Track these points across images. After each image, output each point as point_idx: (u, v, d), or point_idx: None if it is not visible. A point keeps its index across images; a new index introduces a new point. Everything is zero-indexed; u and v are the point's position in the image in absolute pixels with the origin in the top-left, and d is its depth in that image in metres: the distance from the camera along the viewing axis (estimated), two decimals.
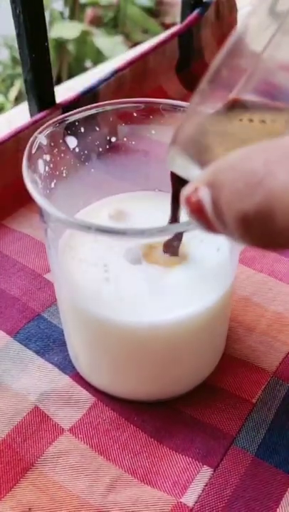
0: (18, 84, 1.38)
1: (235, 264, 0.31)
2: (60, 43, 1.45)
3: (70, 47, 1.46)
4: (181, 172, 0.23)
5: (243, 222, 0.16)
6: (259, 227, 0.16)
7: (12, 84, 1.42)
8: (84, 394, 0.34)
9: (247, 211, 0.16)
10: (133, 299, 0.29)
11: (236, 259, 0.31)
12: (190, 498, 0.29)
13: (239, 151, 0.17)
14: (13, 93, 1.37)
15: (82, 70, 1.34)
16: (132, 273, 0.29)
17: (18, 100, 1.37)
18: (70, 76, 1.33)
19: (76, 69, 1.44)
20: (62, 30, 1.45)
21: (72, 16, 1.55)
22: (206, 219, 0.18)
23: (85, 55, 1.47)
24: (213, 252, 0.29)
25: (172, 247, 0.29)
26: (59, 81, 1.36)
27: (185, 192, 0.19)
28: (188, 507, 0.29)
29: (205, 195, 0.18)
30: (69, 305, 0.31)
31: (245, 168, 0.16)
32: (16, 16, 0.43)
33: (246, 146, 0.17)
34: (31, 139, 0.29)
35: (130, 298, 0.29)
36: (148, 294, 0.29)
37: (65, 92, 0.51)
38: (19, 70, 1.30)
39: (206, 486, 0.30)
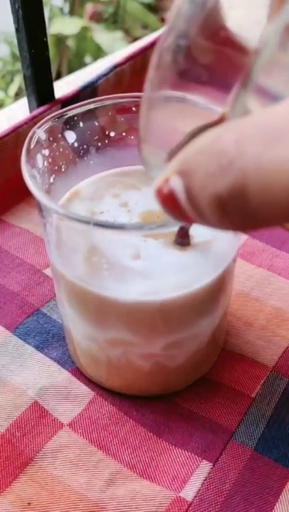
0: (18, 81, 1.38)
1: (236, 244, 0.31)
2: (60, 39, 1.45)
3: (70, 43, 1.46)
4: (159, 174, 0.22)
5: (219, 205, 0.16)
6: (235, 208, 0.16)
7: (12, 81, 1.41)
8: (83, 389, 0.34)
9: (221, 193, 0.16)
10: (132, 277, 0.29)
11: (237, 239, 0.31)
12: (189, 492, 0.29)
13: (208, 134, 0.17)
14: (12, 89, 1.37)
15: (82, 65, 1.34)
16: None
17: (18, 96, 1.37)
18: (70, 72, 1.33)
19: (76, 65, 1.43)
20: (62, 26, 1.45)
21: (72, 12, 1.54)
22: (179, 209, 0.18)
23: (84, 50, 1.47)
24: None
25: (183, 238, 0.29)
26: (59, 77, 1.36)
27: (155, 185, 0.19)
28: (187, 501, 0.29)
29: (177, 185, 0.17)
30: (68, 293, 0.30)
31: (215, 150, 0.16)
32: (15, 12, 0.42)
33: (215, 128, 0.17)
34: (30, 133, 0.29)
35: (129, 276, 0.29)
36: (149, 272, 0.29)
37: (64, 87, 0.51)
38: (19, 66, 1.30)
39: (205, 480, 0.30)
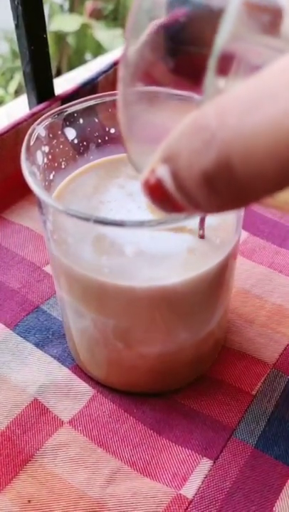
0: (18, 78, 1.37)
1: (239, 229, 0.31)
2: (60, 36, 1.45)
3: (70, 40, 1.46)
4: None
5: (206, 182, 0.16)
6: (222, 182, 0.16)
7: (12, 78, 1.41)
8: (83, 386, 0.34)
9: (207, 168, 0.16)
10: (133, 263, 0.28)
11: (240, 222, 0.31)
12: (189, 489, 0.29)
13: (187, 117, 0.17)
14: (12, 86, 1.37)
15: (83, 62, 1.33)
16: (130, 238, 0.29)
17: (17, 93, 1.37)
18: (70, 69, 1.33)
19: (76, 62, 1.43)
20: (62, 23, 1.45)
21: (72, 9, 1.54)
22: (168, 198, 0.18)
23: (85, 48, 1.47)
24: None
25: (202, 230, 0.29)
26: (59, 74, 1.36)
27: (142, 178, 0.18)
28: (187, 499, 0.29)
29: (163, 172, 0.17)
30: (67, 285, 0.30)
31: (197, 127, 0.16)
32: (14, 8, 0.42)
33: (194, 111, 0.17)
34: (29, 130, 0.29)
35: (129, 264, 0.28)
36: (149, 260, 0.29)
37: (64, 84, 0.51)
38: (19, 63, 1.30)
39: (205, 477, 0.30)
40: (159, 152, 0.17)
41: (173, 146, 0.17)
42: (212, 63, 0.17)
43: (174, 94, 0.20)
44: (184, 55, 0.19)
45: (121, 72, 0.20)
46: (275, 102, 0.14)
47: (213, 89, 0.17)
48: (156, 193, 0.18)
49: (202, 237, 0.29)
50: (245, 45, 0.17)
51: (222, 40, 0.17)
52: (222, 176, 0.16)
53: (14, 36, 0.44)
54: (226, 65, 0.17)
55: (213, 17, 0.17)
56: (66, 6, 1.55)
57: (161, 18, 0.19)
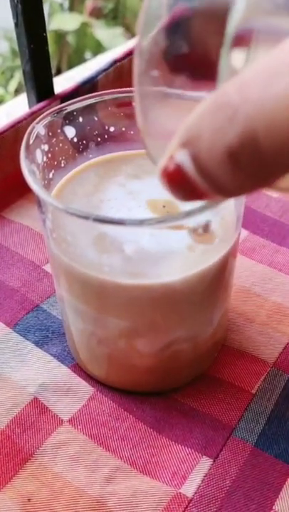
0: (18, 77, 1.37)
1: (239, 226, 0.31)
2: (60, 35, 1.45)
3: (70, 39, 1.46)
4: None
5: (231, 158, 0.16)
6: (248, 157, 0.16)
7: (12, 77, 1.41)
8: (83, 385, 0.34)
9: (231, 145, 0.16)
10: (133, 262, 0.28)
11: (240, 218, 0.31)
12: (189, 488, 0.29)
13: (206, 100, 0.17)
14: (12, 85, 1.37)
15: (83, 61, 1.33)
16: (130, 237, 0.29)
17: (17, 92, 1.37)
18: (70, 68, 1.33)
19: (76, 61, 1.43)
20: (62, 22, 1.45)
21: (72, 8, 1.54)
22: (188, 183, 0.17)
23: (84, 46, 1.47)
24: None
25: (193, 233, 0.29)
26: (59, 73, 1.35)
27: (160, 166, 0.18)
28: (187, 497, 0.29)
29: (182, 157, 0.17)
30: (67, 283, 0.30)
31: (219, 104, 0.16)
32: (14, 6, 0.42)
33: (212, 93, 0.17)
34: (29, 128, 0.29)
35: (129, 262, 0.28)
36: (149, 256, 0.29)
37: (64, 82, 0.51)
38: (19, 62, 1.30)
39: (205, 476, 0.30)
40: (176, 138, 0.17)
41: (193, 128, 0.17)
42: (227, 43, 0.17)
43: (191, 95, 0.20)
44: (197, 47, 0.19)
45: (136, 61, 0.20)
46: None
47: (228, 71, 0.17)
48: (176, 179, 0.18)
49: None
50: (259, 24, 0.17)
51: (235, 20, 0.16)
52: (247, 150, 0.16)
53: (14, 35, 0.44)
54: (241, 45, 0.17)
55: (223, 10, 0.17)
56: (66, 4, 1.55)
57: (176, 9, 0.19)
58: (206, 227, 0.29)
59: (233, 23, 0.16)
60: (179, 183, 0.18)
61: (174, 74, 0.19)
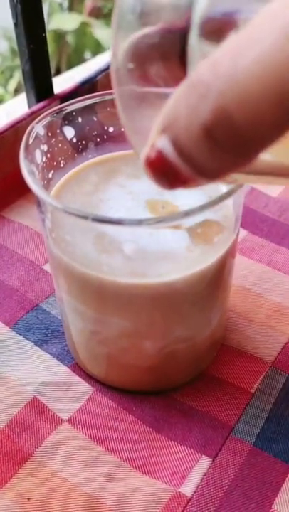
0: (18, 76, 1.37)
1: (237, 226, 0.31)
2: (60, 35, 1.45)
3: (70, 38, 1.46)
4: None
5: (207, 137, 0.16)
6: (223, 134, 0.16)
7: (11, 76, 1.41)
8: (82, 384, 0.34)
9: (206, 122, 0.16)
10: (132, 261, 0.28)
11: (239, 217, 0.31)
12: (188, 487, 0.29)
13: (181, 84, 0.17)
14: (12, 85, 1.37)
15: (82, 61, 1.33)
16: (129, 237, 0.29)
17: (17, 92, 1.37)
18: (70, 67, 1.33)
19: (76, 60, 1.43)
20: (61, 21, 1.45)
21: (72, 8, 1.54)
22: (171, 169, 0.17)
23: (84, 46, 1.47)
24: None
25: (192, 232, 0.29)
26: (58, 73, 1.35)
27: (143, 156, 0.18)
28: (186, 497, 0.29)
29: (163, 143, 0.17)
30: (66, 282, 0.30)
31: (193, 85, 0.16)
32: (13, 6, 0.42)
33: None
34: (28, 129, 0.29)
35: (128, 261, 0.28)
36: (148, 255, 0.29)
37: (63, 82, 0.51)
38: (18, 61, 1.30)
39: (204, 475, 0.30)
40: (156, 125, 0.17)
41: (170, 113, 0.17)
42: (194, 29, 0.17)
43: (168, 91, 0.20)
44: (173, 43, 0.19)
45: (112, 62, 0.20)
46: (263, 42, 0.15)
47: (199, 55, 0.17)
48: (159, 167, 0.18)
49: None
50: (228, 7, 0.17)
51: (200, 5, 0.17)
52: (222, 125, 0.16)
53: (14, 34, 0.44)
54: (216, 31, 0.17)
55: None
56: (65, 4, 1.54)
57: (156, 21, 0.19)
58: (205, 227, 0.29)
59: (199, 9, 0.17)
60: (162, 170, 0.18)
61: (153, 72, 0.19)
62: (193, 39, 0.17)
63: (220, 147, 0.16)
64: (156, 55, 0.19)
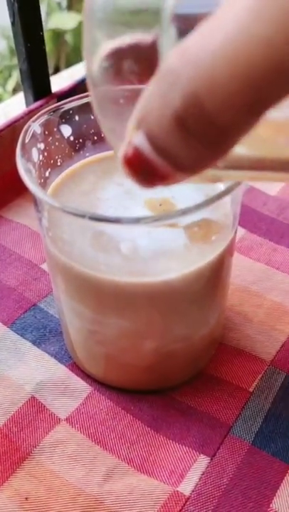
0: (16, 76, 1.37)
1: (236, 223, 0.31)
2: (58, 34, 1.45)
3: (68, 37, 1.45)
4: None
5: (179, 124, 0.16)
6: (195, 121, 0.15)
7: (10, 76, 1.41)
8: (80, 384, 0.34)
9: (177, 110, 0.16)
10: (130, 260, 0.28)
11: (237, 214, 0.31)
12: (187, 486, 0.29)
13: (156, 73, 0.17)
14: (10, 84, 1.37)
15: (81, 60, 1.33)
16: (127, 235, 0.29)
17: (15, 91, 1.36)
18: (68, 67, 1.33)
19: (74, 59, 1.43)
20: (59, 20, 1.44)
21: (70, 7, 1.54)
22: (148, 165, 0.17)
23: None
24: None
25: (189, 231, 0.29)
26: (57, 72, 1.35)
27: (120, 155, 0.18)
28: (184, 496, 0.29)
29: (139, 139, 0.17)
30: (64, 280, 0.30)
31: (163, 75, 0.16)
32: (10, 5, 0.42)
33: None
34: (25, 127, 0.29)
35: (126, 260, 0.28)
36: (145, 254, 0.29)
37: (61, 81, 0.51)
38: (16, 61, 1.30)
39: (202, 474, 0.30)
40: (131, 121, 0.17)
41: (144, 106, 0.17)
42: (164, 23, 0.17)
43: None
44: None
45: (87, 64, 0.20)
46: (228, 25, 0.14)
47: (171, 42, 0.17)
48: (136, 164, 0.17)
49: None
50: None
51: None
52: (193, 112, 0.15)
53: (11, 33, 0.44)
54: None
55: None
56: (64, 3, 1.54)
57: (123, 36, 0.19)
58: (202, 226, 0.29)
59: (168, 7, 0.16)
60: (139, 167, 0.17)
61: (127, 70, 0.19)
62: (165, 37, 0.17)
63: (193, 136, 0.16)
64: (130, 55, 0.18)
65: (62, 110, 0.31)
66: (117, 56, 0.19)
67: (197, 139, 0.16)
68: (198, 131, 0.16)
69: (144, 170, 0.18)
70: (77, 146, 0.32)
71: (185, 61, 0.15)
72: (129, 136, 0.17)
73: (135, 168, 0.18)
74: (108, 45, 0.19)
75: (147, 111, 0.16)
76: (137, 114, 0.17)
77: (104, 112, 0.20)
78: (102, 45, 0.19)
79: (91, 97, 0.20)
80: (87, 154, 0.33)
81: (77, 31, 1.44)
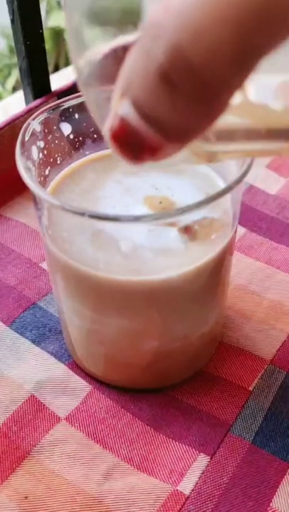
0: (16, 74, 1.37)
1: (236, 223, 0.31)
2: (58, 32, 1.45)
3: (68, 36, 1.45)
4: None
5: (163, 80, 0.15)
6: (180, 75, 0.14)
7: (9, 74, 1.41)
8: (80, 382, 0.34)
9: (160, 63, 0.14)
10: (129, 258, 0.28)
11: (237, 214, 0.31)
12: (186, 486, 0.29)
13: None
14: (10, 83, 1.37)
15: None
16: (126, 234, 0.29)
17: (15, 90, 1.36)
18: (68, 65, 1.32)
19: None
20: (59, 19, 1.44)
21: None
22: (136, 136, 0.16)
23: None
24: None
25: (190, 230, 0.28)
26: (57, 70, 1.35)
27: (106, 128, 0.17)
28: (184, 495, 0.29)
29: (124, 108, 0.16)
30: (63, 277, 0.30)
31: (145, 29, 0.15)
32: (10, 2, 0.42)
33: None
34: (24, 125, 0.29)
35: (125, 259, 0.28)
36: (145, 252, 0.29)
37: (60, 80, 0.51)
38: (16, 59, 1.29)
39: (202, 473, 0.30)
40: (115, 92, 0.16)
41: (127, 71, 0.16)
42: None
43: None
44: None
45: (76, 68, 0.19)
46: None
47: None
48: (123, 136, 0.16)
49: (191, 238, 0.29)
50: None
51: None
52: (178, 66, 0.14)
53: (11, 32, 0.44)
54: None
55: None
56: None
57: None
58: (189, 228, 0.28)
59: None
60: (126, 139, 0.16)
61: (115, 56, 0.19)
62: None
63: (180, 94, 0.15)
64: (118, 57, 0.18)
65: (62, 108, 0.31)
66: (108, 57, 0.18)
67: (184, 97, 0.15)
68: (185, 87, 0.15)
69: (132, 142, 0.16)
70: (77, 144, 0.32)
71: (168, 11, 0.14)
72: (114, 105, 0.16)
73: (123, 141, 0.17)
74: (97, 46, 0.18)
75: (131, 76, 0.15)
76: (120, 82, 0.16)
77: (92, 99, 0.19)
78: (89, 46, 0.18)
79: (84, 97, 0.19)
80: (87, 152, 0.33)
81: None
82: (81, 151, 0.32)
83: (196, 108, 0.15)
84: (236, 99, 0.15)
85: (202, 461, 0.30)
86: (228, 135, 0.18)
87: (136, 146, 0.16)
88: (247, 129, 0.18)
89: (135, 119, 0.16)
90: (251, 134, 0.18)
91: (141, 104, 0.15)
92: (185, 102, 0.15)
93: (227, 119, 0.16)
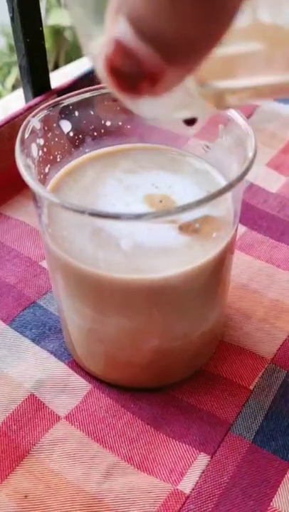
0: (16, 72, 1.37)
1: (236, 221, 0.31)
2: (58, 30, 1.44)
3: (68, 34, 1.45)
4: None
5: None
6: None
7: (9, 73, 1.41)
8: (80, 381, 0.34)
9: None
10: (129, 257, 0.28)
11: (238, 213, 0.31)
12: (187, 485, 0.29)
13: None
14: (10, 81, 1.36)
15: (80, 56, 1.33)
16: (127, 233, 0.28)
17: (15, 88, 1.36)
18: (68, 63, 1.32)
19: (74, 56, 1.42)
20: (59, 17, 1.44)
21: None
22: (133, 58, 0.15)
23: None
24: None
25: (191, 229, 0.28)
26: (57, 68, 1.35)
27: (100, 58, 0.15)
28: (185, 494, 0.29)
29: (120, 27, 0.14)
30: (62, 274, 0.30)
31: None
32: (9, 1, 0.42)
33: None
34: (24, 122, 0.29)
35: (125, 257, 0.28)
36: (145, 251, 0.28)
37: (60, 77, 0.51)
38: (16, 57, 1.29)
39: (202, 473, 0.30)
40: (108, 13, 0.15)
41: None
42: None
43: None
44: None
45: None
46: None
47: None
48: (120, 59, 0.15)
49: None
50: None
51: None
52: None
53: (11, 30, 0.44)
54: None
55: None
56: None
57: None
58: (189, 225, 0.28)
59: None
60: (123, 65, 0.15)
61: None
62: None
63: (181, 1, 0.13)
64: None
65: (62, 106, 0.30)
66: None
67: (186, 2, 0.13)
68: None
69: (129, 68, 0.15)
70: (77, 141, 0.32)
71: None
72: (109, 30, 0.15)
73: (119, 68, 0.15)
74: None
75: None
76: (113, 2, 0.15)
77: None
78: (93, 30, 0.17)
79: (69, 12, 0.17)
80: (87, 150, 0.32)
81: None
82: (81, 148, 0.32)
83: (201, 12, 0.14)
84: (246, 20, 0.14)
85: (202, 460, 0.30)
86: (237, 65, 0.16)
87: (134, 73, 0.15)
88: (258, 56, 0.16)
89: (132, 39, 0.15)
90: (262, 63, 0.16)
91: (138, 17, 0.14)
92: (189, 2, 0.14)
93: (235, 47, 0.15)
